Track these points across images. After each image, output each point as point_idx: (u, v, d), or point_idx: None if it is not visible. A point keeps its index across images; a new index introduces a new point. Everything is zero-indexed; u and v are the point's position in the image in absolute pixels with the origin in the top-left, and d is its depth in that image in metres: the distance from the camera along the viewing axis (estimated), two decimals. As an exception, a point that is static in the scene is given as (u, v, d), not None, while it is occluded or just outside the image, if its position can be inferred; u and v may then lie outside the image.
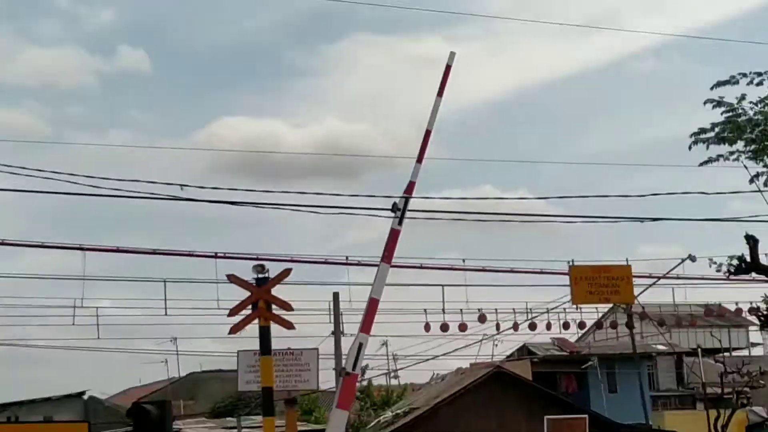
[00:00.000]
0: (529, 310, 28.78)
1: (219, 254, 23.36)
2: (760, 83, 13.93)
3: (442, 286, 28.54)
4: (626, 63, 74.93)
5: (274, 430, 14.15)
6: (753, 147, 13.83)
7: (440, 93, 13.59)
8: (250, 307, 13.28)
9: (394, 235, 13.13)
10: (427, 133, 13.54)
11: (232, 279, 13.73)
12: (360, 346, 12.94)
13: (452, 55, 14.40)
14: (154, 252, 24.28)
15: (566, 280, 24.92)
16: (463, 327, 28.51)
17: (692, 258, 28.02)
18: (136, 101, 72.83)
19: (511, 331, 30.73)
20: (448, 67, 13.86)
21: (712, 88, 14.25)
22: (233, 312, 13.58)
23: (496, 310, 28.08)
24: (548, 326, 30.50)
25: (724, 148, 14.05)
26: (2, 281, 26.58)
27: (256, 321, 13.33)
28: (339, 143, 65.08)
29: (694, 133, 14.08)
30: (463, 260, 27.38)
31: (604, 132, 72.83)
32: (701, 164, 14.46)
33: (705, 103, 14.16)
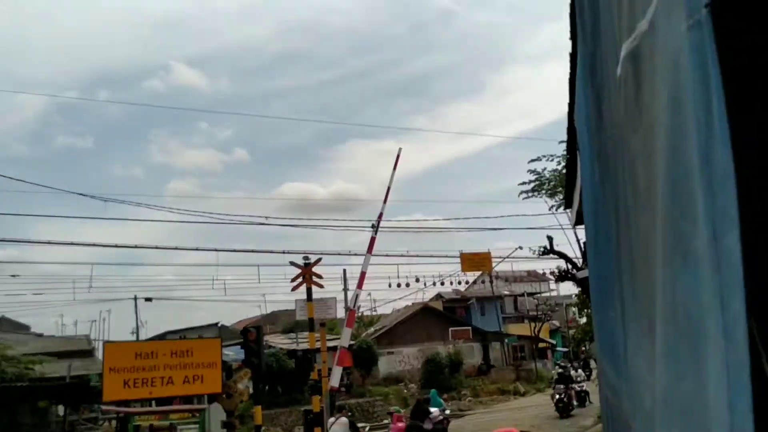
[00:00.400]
0: (441, 275, 43.75)
1: (286, 251, 41.89)
2: (551, 160, 19.64)
3: (397, 264, 49.65)
4: (487, 151, 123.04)
5: (314, 339, 20.36)
6: (549, 192, 20.53)
7: (395, 167, 22.07)
8: (301, 278, 19.87)
9: (372, 240, 21.95)
10: (387, 190, 26.58)
11: (292, 263, 20.52)
12: (356, 296, 22.27)
13: (400, 149, 22.60)
14: (252, 251, 43.59)
15: (458, 260, 37.85)
16: (408, 285, 41.51)
17: (520, 248, 49.45)
18: (243, 175, 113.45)
19: (433, 286, 44.93)
20: (398, 156, 22.21)
21: (529, 162, 20.14)
22: (293, 280, 20.27)
23: (424, 276, 43.39)
24: (451, 283, 44.06)
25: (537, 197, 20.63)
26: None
27: (305, 284, 19.52)
28: (344, 194, 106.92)
29: (521, 185, 20.53)
30: (407, 251, 48.68)
31: (478, 186, 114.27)
32: (524, 198, 20.68)
33: (528, 171, 20.21)
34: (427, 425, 19.14)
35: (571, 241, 22.88)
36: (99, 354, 42.51)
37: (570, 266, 19.57)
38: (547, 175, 19.97)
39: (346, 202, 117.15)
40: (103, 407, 17.52)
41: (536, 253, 20.57)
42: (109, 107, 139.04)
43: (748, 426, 0.76)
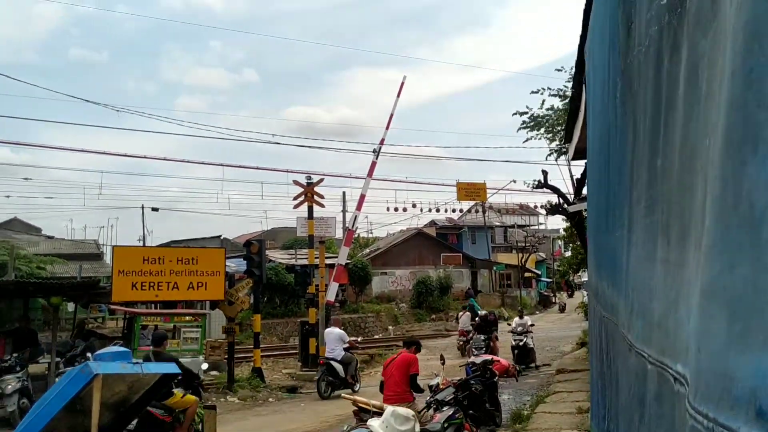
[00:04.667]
0: (436, 203, 43.90)
1: (289, 170, 41.67)
2: (554, 95, 18.76)
3: (395, 190, 49.92)
4: (488, 86, 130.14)
5: (314, 256, 20.96)
6: (548, 129, 19.57)
7: (398, 95, 23.67)
8: (303, 196, 20.33)
9: (373, 164, 22.87)
10: (390, 117, 22.98)
11: (296, 182, 20.78)
12: (355, 217, 23.58)
13: (404, 77, 24.30)
14: (257, 168, 43.47)
15: (454, 189, 40.05)
16: (405, 209, 41.81)
17: (514, 181, 49.58)
18: (251, 95, 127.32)
19: (428, 212, 45.04)
20: (402, 84, 23.68)
21: (531, 93, 19.24)
22: (296, 198, 20.77)
23: (420, 202, 43.70)
24: (445, 210, 44.29)
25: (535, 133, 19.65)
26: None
27: (306, 203, 20.24)
28: (347, 120, 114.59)
29: (521, 115, 19.40)
30: (406, 177, 48.42)
31: (477, 120, 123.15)
32: (523, 130, 19.65)
33: (521, 113, 19.49)
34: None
35: (564, 177, 22.92)
36: (107, 258, 43.20)
37: (561, 201, 19.59)
38: (544, 114, 19.63)
39: (349, 127, 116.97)
40: (112, 306, 17.79)
41: (530, 186, 20.43)
42: (126, 22, 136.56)
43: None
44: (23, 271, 26.06)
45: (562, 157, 18.77)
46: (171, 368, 4.88)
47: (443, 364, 10.89)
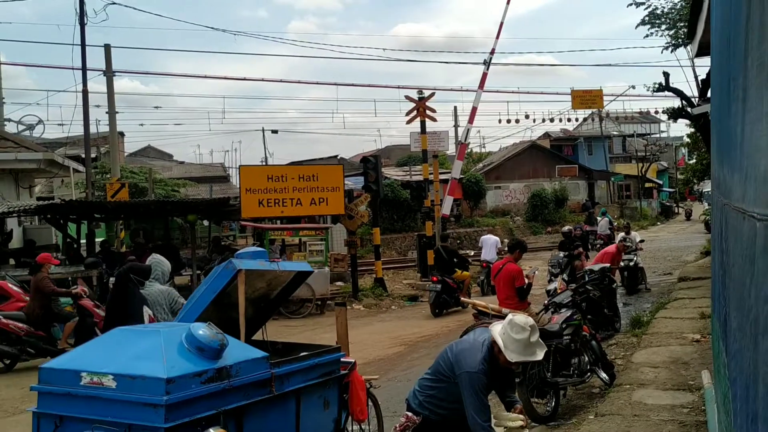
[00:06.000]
0: (550, 113, 45.91)
1: (401, 86, 41.10)
2: None
3: (507, 102, 49.01)
4: None
5: (428, 170, 21.85)
6: (668, 26, 17.99)
7: (508, 2, 22.69)
8: (415, 111, 20.77)
9: (484, 76, 23.01)
10: (500, 26, 22.70)
11: (407, 97, 21.16)
12: (467, 130, 24.46)
13: None
14: (369, 86, 43.67)
15: (569, 99, 38.86)
16: (518, 121, 42.50)
17: (633, 86, 46.53)
18: (360, 14, 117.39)
19: (542, 123, 45.78)
20: None
21: None
22: (408, 113, 21.14)
23: (533, 112, 45.80)
24: (560, 120, 44.52)
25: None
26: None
27: (419, 117, 20.66)
28: (458, 33, 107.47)
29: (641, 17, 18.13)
30: (518, 87, 47.07)
31: (591, 26, 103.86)
32: (645, 36, 18.62)
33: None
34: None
35: (688, 79, 21.46)
36: (233, 180, 45.41)
37: (685, 104, 18.59)
38: (664, 7, 18.26)
39: (459, 41, 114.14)
40: (242, 223, 18.87)
41: (650, 90, 19.50)
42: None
43: None
44: (158, 194, 27.97)
45: (681, 50, 17.72)
46: (304, 266, 5.30)
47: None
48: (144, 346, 3.71)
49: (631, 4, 17.90)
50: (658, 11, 17.56)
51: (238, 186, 43.85)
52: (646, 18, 17.83)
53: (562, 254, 15.94)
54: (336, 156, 45.90)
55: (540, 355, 4.37)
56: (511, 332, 4.22)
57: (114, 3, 19.27)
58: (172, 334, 3.80)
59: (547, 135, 50.38)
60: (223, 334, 3.81)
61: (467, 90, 42.34)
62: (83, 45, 18.03)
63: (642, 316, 12.38)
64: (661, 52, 18.67)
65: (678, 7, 17.23)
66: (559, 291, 9.69)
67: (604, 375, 8.06)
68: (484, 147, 56.16)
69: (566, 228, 20.12)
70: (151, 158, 43.00)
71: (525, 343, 4.22)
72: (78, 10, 17.90)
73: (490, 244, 19.02)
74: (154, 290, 6.62)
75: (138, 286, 6.46)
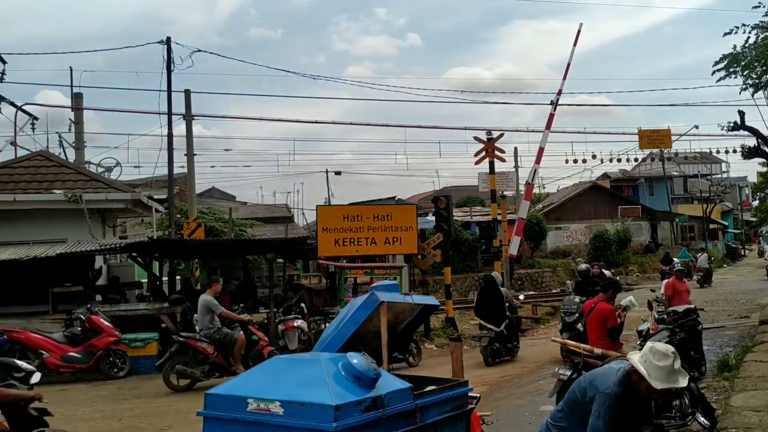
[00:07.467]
0: (611, 153, 44.83)
1: (468, 127, 41.68)
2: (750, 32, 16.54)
3: (572, 142, 48.43)
4: (657, 29, 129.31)
5: (496, 210, 21.91)
6: (744, 67, 17.06)
7: (575, 43, 23.84)
8: (484, 152, 21.11)
9: (551, 116, 23.63)
10: (567, 67, 23.62)
11: (476, 138, 21.57)
12: (535, 171, 25.87)
13: (581, 24, 24.46)
14: (434, 127, 43.86)
15: (634, 138, 38.06)
16: (585, 161, 41.74)
17: (696, 126, 45.98)
18: (416, 59, 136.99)
19: (609, 162, 43.80)
20: (578, 32, 23.64)
21: (723, 36, 16.81)
22: (476, 154, 21.40)
23: (600, 152, 43.50)
24: (627, 160, 43.42)
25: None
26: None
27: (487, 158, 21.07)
28: (511, 75, 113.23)
29: (716, 64, 17.30)
30: (584, 128, 46.84)
31: (646, 66, 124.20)
32: (718, 80, 17.46)
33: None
34: None
35: (765, 117, 20.78)
36: (297, 220, 46.16)
37: (760, 142, 18.21)
38: (743, 51, 17.85)
39: (510, 83, 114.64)
40: (319, 261, 19.15)
41: (724, 128, 19.14)
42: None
43: None
44: (227, 235, 28.45)
45: (760, 93, 17.30)
46: (431, 300, 5.42)
47: (651, 309, 10.77)
48: (306, 374, 3.86)
49: (720, 60, 17.31)
50: (740, 56, 17.16)
51: (301, 226, 44.62)
52: (724, 62, 17.43)
53: (578, 298, 13.84)
54: (394, 197, 46.28)
55: (684, 382, 4.34)
56: (653, 359, 4.22)
57: (199, 51, 20.11)
58: (330, 363, 3.95)
59: (606, 176, 49.88)
60: (375, 363, 3.95)
61: (533, 131, 42.35)
62: (169, 90, 18.90)
63: (728, 359, 12.05)
64: (740, 93, 18.18)
65: (755, 50, 16.86)
66: (651, 331, 9.54)
67: (703, 419, 7.86)
68: (543, 188, 55.83)
69: (583, 266, 16.70)
70: (216, 199, 44.11)
71: (669, 370, 4.22)
72: (165, 58, 18.86)
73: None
74: None
75: None
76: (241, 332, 11.89)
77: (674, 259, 32.45)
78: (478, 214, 39.46)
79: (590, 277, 15.14)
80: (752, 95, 17.89)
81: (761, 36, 16.24)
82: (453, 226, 18.65)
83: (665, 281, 13.54)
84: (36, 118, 22.43)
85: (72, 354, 12.81)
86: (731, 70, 17.32)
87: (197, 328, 11.99)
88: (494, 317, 13.86)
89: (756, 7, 16.49)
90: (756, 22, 16.50)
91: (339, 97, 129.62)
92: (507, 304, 14.26)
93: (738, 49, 16.97)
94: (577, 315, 13.06)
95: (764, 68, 16.06)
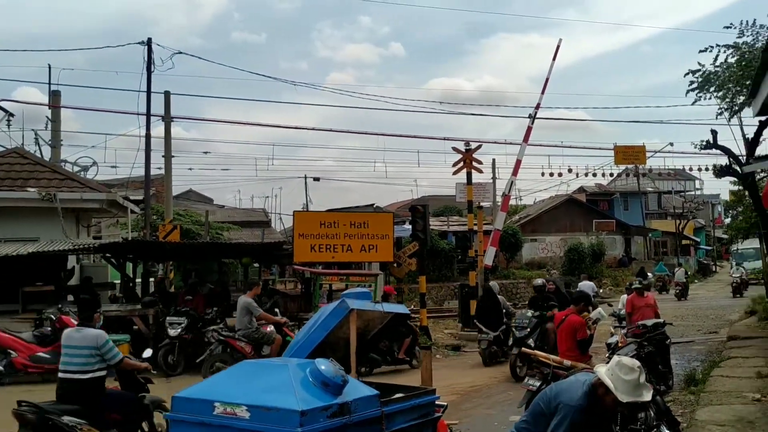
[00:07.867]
0: (587, 167, 42.54)
1: (447, 137, 41.06)
2: (724, 52, 16.57)
3: (548, 156, 48.71)
4: (635, 47, 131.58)
5: (472, 220, 21.84)
6: (717, 88, 17.04)
7: (554, 59, 23.19)
8: (462, 162, 21.01)
9: (528, 129, 22.91)
10: (546, 81, 23.24)
11: (455, 149, 21.38)
12: (511, 183, 24.52)
13: (560, 40, 23.50)
14: (414, 136, 43.93)
15: (608, 153, 40.59)
16: (560, 174, 40.18)
17: (671, 144, 46.63)
18: (399, 68, 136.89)
19: (584, 176, 42.17)
20: (557, 48, 23.21)
21: (699, 52, 17.01)
22: (455, 164, 21.31)
23: (576, 166, 44.37)
24: (603, 175, 41.84)
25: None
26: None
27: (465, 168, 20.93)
28: (491, 87, 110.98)
29: (687, 76, 17.29)
30: (561, 141, 47.51)
31: (622, 82, 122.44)
32: (693, 103, 17.65)
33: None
34: None
35: (737, 137, 20.90)
36: (274, 225, 45.93)
37: (732, 161, 18.49)
38: (716, 70, 18.06)
39: (490, 95, 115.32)
40: (295, 267, 19.10)
41: (698, 147, 19.34)
42: (282, 3, 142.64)
43: None
44: (203, 237, 28.23)
45: (734, 118, 17.56)
46: (402, 309, 5.47)
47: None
48: (274, 379, 3.89)
49: (688, 73, 17.35)
50: (710, 75, 17.41)
51: (278, 231, 44.39)
52: (695, 78, 17.63)
53: (530, 313, 14.09)
54: (372, 204, 46.09)
55: (648, 396, 4.43)
56: (620, 373, 4.31)
57: (180, 53, 20.04)
58: (297, 368, 3.97)
59: (582, 189, 50.24)
60: (343, 370, 3.98)
61: (511, 143, 42.66)
62: (149, 92, 18.85)
63: (695, 373, 12.22)
64: (716, 117, 18.33)
65: (727, 71, 17.04)
66: (620, 345, 9.67)
67: (668, 432, 7.96)
68: (520, 200, 56.18)
69: (539, 281, 16.17)
70: (193, 201, 43.81)
71: (635, 384, 4.30)
72: (145, 59, 18.78)
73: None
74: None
75: None
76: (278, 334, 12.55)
77: (648, 273, 33.03)
78: (455, 224, 39.57)
79: (545, 293, 15.17)
80: (728, 120, 18.13)
81: (734, 58, 16.48)
82: (430, 235, 18.66)
83: (623, 296, 14.21)
84: (12, 115, 22.18)
85: (41, 354, 12.61)
86: (705, 88, 17.60)
87: (236, 327, 12.60)
88: (492, 323, 14.84)
89: (727, 27, 16.80)
90: (729, 42, 16.80)
91: (319, 103, 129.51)
92: (504, 311, 15.22)
93: (708, 67, 17.21)
94: (528, 330, 13.49)
95: (738, 89, 16.29)
